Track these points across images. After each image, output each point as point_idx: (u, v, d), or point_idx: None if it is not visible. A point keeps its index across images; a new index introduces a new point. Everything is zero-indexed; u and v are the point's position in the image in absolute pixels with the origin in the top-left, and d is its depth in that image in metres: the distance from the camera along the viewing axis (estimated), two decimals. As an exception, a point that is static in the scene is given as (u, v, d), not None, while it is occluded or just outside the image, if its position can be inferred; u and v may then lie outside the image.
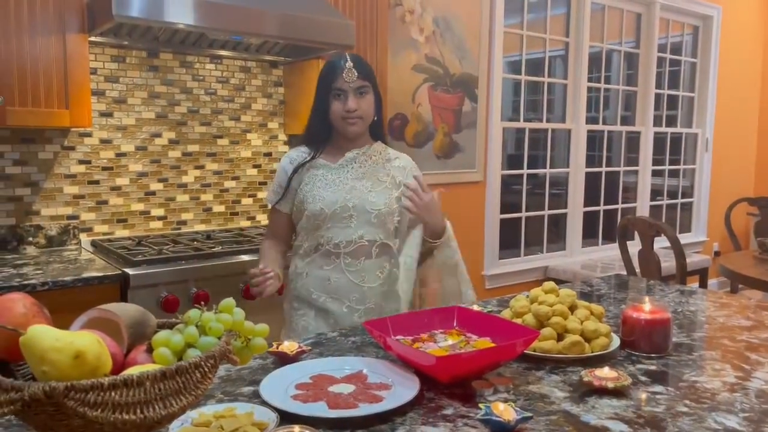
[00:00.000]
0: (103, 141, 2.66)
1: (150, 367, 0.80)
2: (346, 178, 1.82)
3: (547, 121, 4.48)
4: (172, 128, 2.82)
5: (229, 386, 1.17)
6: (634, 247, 3.56)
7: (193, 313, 0.91)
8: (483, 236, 4.04)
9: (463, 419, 1.03)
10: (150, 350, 0.87)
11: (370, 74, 1.81)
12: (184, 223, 2.88)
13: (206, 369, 0.82)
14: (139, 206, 2.76)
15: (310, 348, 1.37)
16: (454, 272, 1.84)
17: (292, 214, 1.88)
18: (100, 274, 2.10)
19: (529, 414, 0.99)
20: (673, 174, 5.49)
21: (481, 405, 1.01)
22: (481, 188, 3.99)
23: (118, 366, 0.85)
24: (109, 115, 2.66)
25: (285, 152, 1.95)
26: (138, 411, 0.76)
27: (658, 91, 5.14)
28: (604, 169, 4.86)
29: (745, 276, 3.18)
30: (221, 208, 2.99)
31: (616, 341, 1.38)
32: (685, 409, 1.08)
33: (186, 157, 2.87)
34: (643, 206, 5.16)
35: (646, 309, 1.39)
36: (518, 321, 1.40)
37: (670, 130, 5.35)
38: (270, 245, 1.91)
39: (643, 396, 1.14)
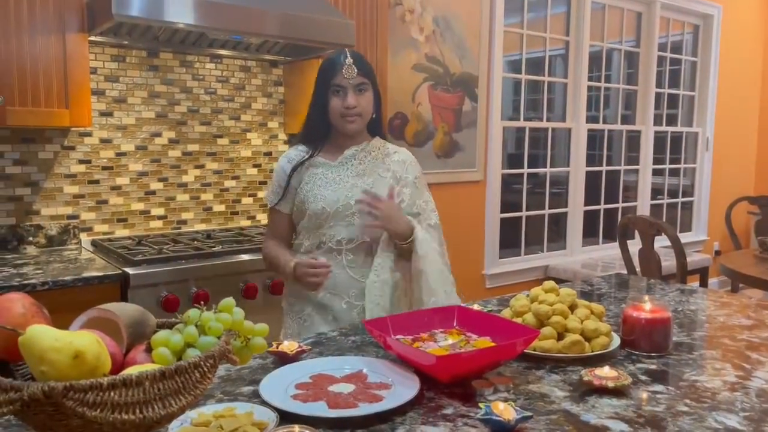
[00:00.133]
0: (103, 140, 2.66)
1: (149, 367, 0.80)
2: (346, 176, 1.81)
3: (548, 120, 4.48)
4: (172, 128, 2.82)
5: (228, 386, 1.17)
6: (635, 246, 3.56)
7: (192, 312, 0.91)
8: (483, 235, 4.04)
9: (463, 419, 1.03)
10: (149, 350, 0.87)
11: (370, 72, 1.80)
12: (184, 222, 2.88)
13: (205, 369, 0.82)
14: (139, 206, 2.76)
15: (309, 347, 1.37)
16: (418, 279, 1.76)
17: (293, 214, 1.87)
18: (101, 273, 2.10)
19: (529, 413, 0.99)
20: (674, 173, 5.49)
21: (481, 404, 1.01)
22: (482, 187, 3.99)
23: (118, 366, 0.85)
24: (109, 114, 2.66)
25: (285, 152, 1.93)
26: (137, 411, 0.76)
27: (659, 90, 5.14)
28: (604, 168, 4.86)
29: (745, 275, 3.18)
30: (221, 208, 2.99)
31: (616, 340, 1.38)
32: (685, 409, 1.08)
33: (186, 157, 2.87)
34: (643, 205, 5.16)
35: (647, 308, 1.39)
36: (518, 320, 1.40)
37: (670, 129, 5.35)
38: (275, 245, 1.89)
39: (644, 395, 1.14)
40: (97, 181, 2.65)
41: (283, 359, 1.28)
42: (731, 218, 5.05)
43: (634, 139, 5.07)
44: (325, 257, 1.77)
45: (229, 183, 3.00)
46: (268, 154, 3.10)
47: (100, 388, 0.72)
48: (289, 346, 1.32)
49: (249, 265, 2.34)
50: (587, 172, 4.69)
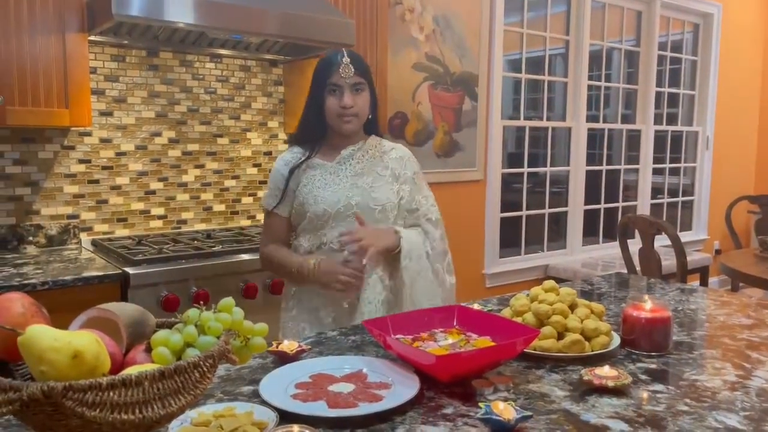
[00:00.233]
0: (103, 140, 2.65)
1: (149, 367, 0.80)
2: (345, 176, 1.80)
3: (548, 119, 4.47)
4: (172, 127, 2.82)
5: (228, 386, 1.17)
6: (635, 245, 3.56)
7: (192, 312, 0.91)
8: (483, 235, 4.04)
9: (463, 418, 1.03)
10: (149, 350, 0.87)
11: (367, 72, 1.78)
12: (184, 222, 2.88)
13: (205, 368, 0.82)
14: (139, 205, 2.76)
15: (309, 347, 1.37)
16: (401, 291, 1.75)
17: (291, 217, 1.85)
18: (101, 273, 2.10)
19: (529, 413, 0.99)
20: (674, 172, 5.49)
21: (481, 404, 1.01)
22: (482, 187, 3.99)
23: (117, 365, 0.85)
24: (109, 114, 2.66)
25: (281, 154, 1.91)
26: (136, 411, 0.75)
27: (659, 89, 5.14)
28: (604, 167, 4.86)
29: (745, 274, 3.18)
30: (221, 207, 2.99)
31: (616, 340, 1.38)
32: (685, 408, 1.08)
33: (186, 156, 2.87)
34: (643, 204, 5.15)
35: (647, 307, 1.38)
36: (518, 320, 1.39)
37: (670, 128, 5.35)
38: (276, 248, 1.86)
39: (644, 395, 1.14)
40: (97, 181, 2.65)
41: (283, 359, 1.28)
42: (731, 217, 5.05)
43: (634, 138, 5.07)
44: (326, 257, 1.76)
45: (229, 182, 3.00)
46: (268, 153, 3.10)
47: (99, 388, 0.72)
48: (288, 345, 1.31)
49: (249, 265, 2.34)
50: (587, 172, 4.69)
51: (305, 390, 1.13)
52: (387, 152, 1.88)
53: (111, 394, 0.73)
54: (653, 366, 1.29)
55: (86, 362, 0.75)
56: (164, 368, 0.77)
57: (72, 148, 2.58)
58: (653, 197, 5.25)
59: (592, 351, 1.32)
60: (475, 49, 3.83)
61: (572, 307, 1.40)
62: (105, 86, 2.64)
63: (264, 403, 1.06)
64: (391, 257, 1.77)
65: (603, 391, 1.14)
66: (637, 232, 3.56)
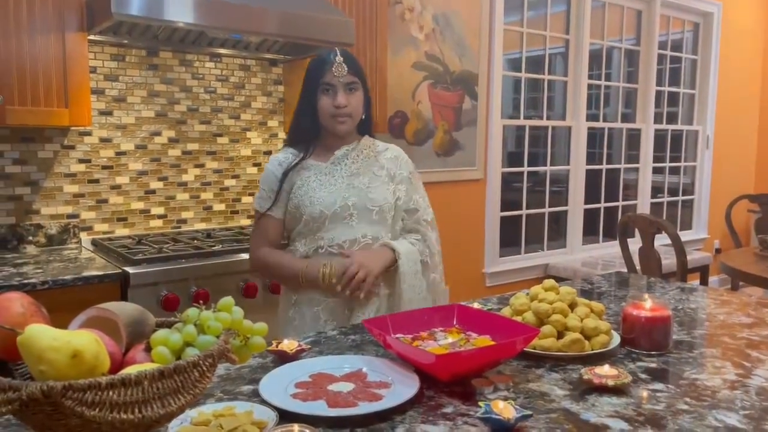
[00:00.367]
0: (103, 140, 2.65)
1: (148, 366, 0.80)
2: (340, 176, 1.77)
3: (548, 118, 4.47)
4: (171, 127, 2.82)
5: (228, 385, 1.17)
6: (635, 244, 3.56)
7: (191, 311, 0.91)
8: (483, 234, 4.04)
9: (462, 417, 1.03)
10: (148, 349, 0.87)
11: (360, 71, 1.76)
12: (184, 221, 2.88)
13: (204, 368, 0.82)
14: (139, 205, 2.76)
15: (309, 346, 1.37)
16: (397, 309, 1.76)
17: (286, 220, 1.81)
18: (101, 272, 2.10)
19: (528, 412, 0.99)
20: (674, 171, 5.49)
21: (480, 403, 1.01)
22: (482, 186, 3.99)
23: (117, 365, 0.85)
24: (109, 113, 2.66)
25: (273, 155, 1.88)
26: (136, 410, 0.75)
27: (659, 88, 5.13)
28: (604, 166, 4.86)
29: (745, 273, 3.18)
30: (221, 207, 2.98)
31: (616, 339, 1.38)
32: (685, 407, 1.08)
33: (186, 156, 2.87)
34: (643, 203, 5.15)
35: (647, 306, 1.38)
36: (518, 319, 1.39)
37: (670, 127, 5.34)
38: (271, 251, 1.82)
39: (644, 394, 1.14)
40: (96, 181, 2.65)
41: (283, 358, 1.28)
42: (731, 216, 5.05)
43: (634, 137, 5.07)
44: (324, 260, 1.73)
45: (229, 182, 3.00)
46: (268, 152, 3.10)
47: (98, 387, 0.72)
48: (288, 345, 1.31)
49: (249, 264, 2.33)
50: (587, 171, 4.68)
51: (305, 389, 1.13)
52: (381, 152, 1.86)
53: (110, 393, 0.73)
54: (653, 365, 1.29)
55: (85, 362, 0.75)
56: (164, 368, 0.77)
57: (72, 147, 2.58)
58: (653, 196, 5.25)
59: (592, 350, 1.32)
60: (474, 48, 3.83)
61: (572, 306, 1.40)
62: (105, 86, 2.64)
63: (264, 402, 1.06)
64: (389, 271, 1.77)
65: (603, 390, 1.14)
66: (637, 231, 3.56)
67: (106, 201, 2.68)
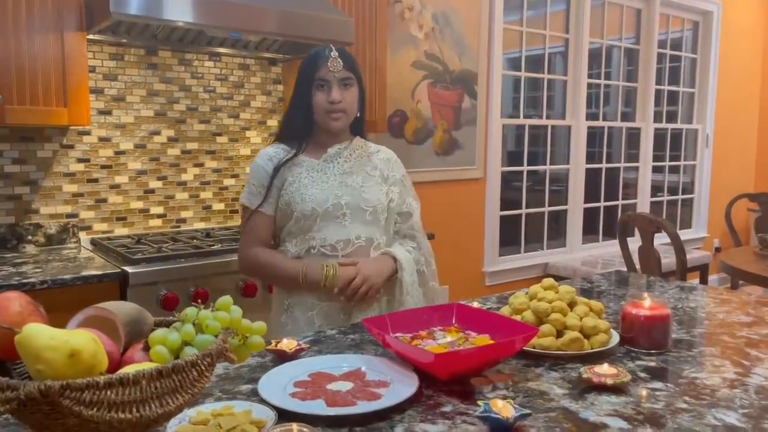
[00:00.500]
0: (102, 139, 2.65)
1: (146, 366, 0.80)
2: (333, 174, 1.74)
3: (547, 117, 4.47)
4: (171, 126, 2.82)
5: (227, 384, 1.17)
6: (635, 243, 3.56)
7: (190, 311, 0.90)
8: (483, 233, 4.04)
9: (461, 416, 1.03)
10: (147, 348, 0.87)
11: (356, 67, 1.73)
12: (183, 221, 2.88)
13: (203, 367, 0.82)
14: (139, 204, 2.76)
15: (308, 346, 1.37)
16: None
17: (276, 217, 1.76)
18: (100, 272, 2.10)
19: (527, 411, 0.99)
20: (674, 170, 5.48)
21: (479, 402, 1.01)
22: (481, 185, 3.99)
23: (115, 364, 0.84)
24: (108, 113, 2.66)
25: (262, 150, 1.83)
26: (134, 410, 0.75)
27: (659, 87, 5.13)
28: (604, 165, 4.85)
29: (745, 272, 3.18)
30: (221, 206, 2.98)
31: (615, 338, 1.38)
32: (684, 406, 1.08)
33: (185, 155, 2.87)
34: (643, 202, 5.15)
35: (646, 305, 1.38)
36: (517, 318, 1.39)
37: (670, 126, 5.34)
38: (263, 250, 1.76)
39: (643, 392, 1.14)
40: (96, 180, 2.65)
41: (282, 357, 1.28)
42: (731, 215, 5.04)
43: (633, 136, 5.06)
44: (317, 262, 1.70)
45: (229, 181, 3.00)
46: (268, 152, 3.09)
47: (96, 386, 0.72)
48: (287, 344, 1.31)
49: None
50: (587, 170, 4.68)
51: (304, 389, 1.13)
52: (374, 153, 1.84)
53: (108, 392, 0.73)
54: (652, 364, 1.29)
55: (83, 361, 0.75)
56: (162, 367, 0.77)
57: (71, 146, 2.58)
58: (653, 195, 5.25)
59: (591, 349, 1.32)
60: (474, 47, 3.83)
61: (571, 305, 1.40)
62: (104, 85, 2.64)
63: (262, 401, 1.05)
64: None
65: (602, 388, 1.14)
66: (636, 230, 3.56)
67: (105, 200, 2.67)
